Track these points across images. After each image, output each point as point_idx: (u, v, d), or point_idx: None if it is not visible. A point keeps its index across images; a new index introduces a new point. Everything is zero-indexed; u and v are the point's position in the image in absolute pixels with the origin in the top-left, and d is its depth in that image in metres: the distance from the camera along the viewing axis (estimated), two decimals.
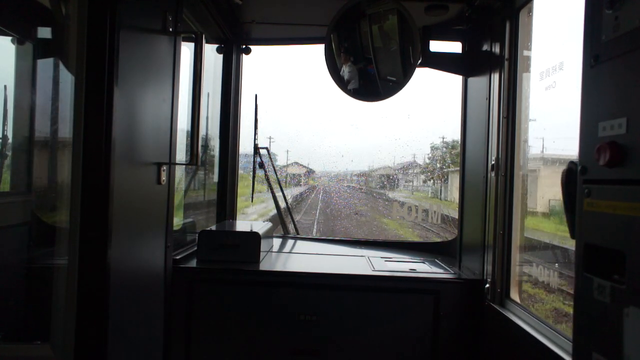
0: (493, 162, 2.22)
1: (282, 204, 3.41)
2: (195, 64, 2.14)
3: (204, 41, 2.15)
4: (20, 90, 2.23)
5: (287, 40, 3.28)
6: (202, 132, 2.22)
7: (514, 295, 2.11)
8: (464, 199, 2.68)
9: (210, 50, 3.11)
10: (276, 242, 3.23)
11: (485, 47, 2.39)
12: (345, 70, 2.64)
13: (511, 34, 2.14)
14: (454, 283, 2.36)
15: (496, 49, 2.24)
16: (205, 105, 3.06)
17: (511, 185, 2.14)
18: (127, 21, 1.59)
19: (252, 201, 3.51)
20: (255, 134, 3.24)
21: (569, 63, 1.89)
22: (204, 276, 2.37)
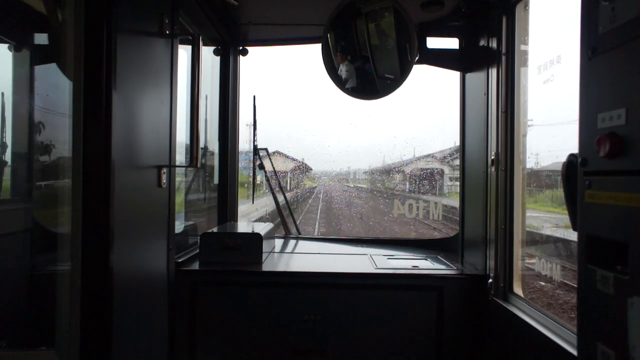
0: (493, 157, 2.22)
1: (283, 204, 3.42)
2: (193, 66, 2.14)
3: (200, 43, 2.15)
4: (19, 96, 2.23)
5: (284, 40, 3.27)
6: (201, 134, 2.22)
7: (517, 289, 2.12)
8: (464, 195, 2.68)
9: (207, 53, 3.11)
10: (278, 242, 3.23)
11: (482, 43, 2.39)
12: (342, 69, 2.64)
13: (508, 28, 2.14)
14: (457, 279, 2.36)
15: (493, 44, 2.24)
16: (203, 107, 3.06)
17: (511, 179, 2.14)
18: (123, 25, 1.59)
19: (252, 202, 3.51)
20: (254, 135, 3.25)
21: (566, 56, 1.89)
22: (206, 278, 2.37)
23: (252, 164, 3.33)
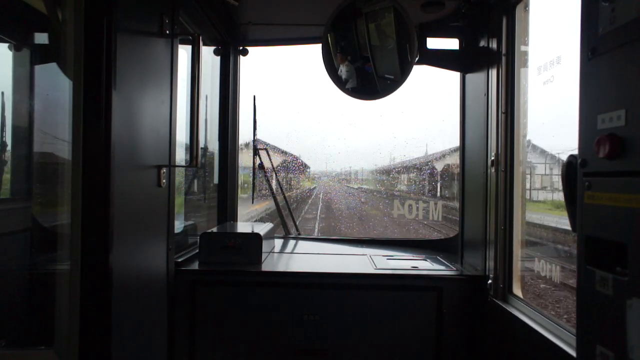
0: (493, 158, 2.22)
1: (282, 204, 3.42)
2: (193, 66, 2.14)
3: (200, 43, 2.16)
4: (19, 96, 2.23)
5: (284, 40, 3.27)
6: (201, 134, 2.22)
7: (517, 290, 2.12)
8: (464, 195, 2.68)
9: (207, 53, 3.11)
10: (277, 242, 3.23)
11: (482, 43, 2.39)
12: (342, 70, 2.64)
13: (508, 29, 2.15)
14: (457, 279, 2.36)
15: (493, 44, 2.24)
16: (203, 107, 3.06)
17: (511, 180, 2.14)
18: (123, 25, 1.59)
19: (252, 202, 3.51)
20: (254, 135, 3.25)
21: (566, 57, 1.89)
22: (206, 278, 2.37)
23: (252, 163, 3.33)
